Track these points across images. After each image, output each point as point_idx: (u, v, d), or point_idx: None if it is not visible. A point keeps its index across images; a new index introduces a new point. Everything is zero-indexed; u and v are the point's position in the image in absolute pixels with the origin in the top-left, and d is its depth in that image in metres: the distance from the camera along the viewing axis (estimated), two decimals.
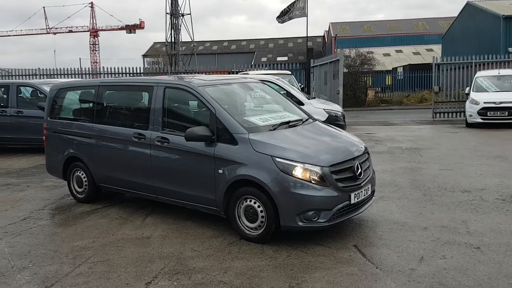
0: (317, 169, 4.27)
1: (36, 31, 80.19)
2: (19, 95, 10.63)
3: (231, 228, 4.81)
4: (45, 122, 6.70)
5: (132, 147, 5.50)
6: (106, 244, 4.69)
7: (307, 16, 20.59)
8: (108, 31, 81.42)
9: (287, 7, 20.73)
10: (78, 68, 20.52)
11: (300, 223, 4.26)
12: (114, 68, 19.68)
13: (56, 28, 79.50)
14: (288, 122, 5.10)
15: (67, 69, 20.05)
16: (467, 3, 34.50)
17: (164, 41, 41.95)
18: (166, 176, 5.20)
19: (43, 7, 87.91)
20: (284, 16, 20.95)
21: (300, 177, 4.24)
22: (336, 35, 52.44)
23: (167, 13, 38.93)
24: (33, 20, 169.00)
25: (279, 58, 63.87)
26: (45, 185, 7.50)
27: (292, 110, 5.62)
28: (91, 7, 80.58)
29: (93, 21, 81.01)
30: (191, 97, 5.12)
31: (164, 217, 5.53)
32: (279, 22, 21.34)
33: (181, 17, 39.45)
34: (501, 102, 13.17)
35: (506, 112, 13.12)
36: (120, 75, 19.31)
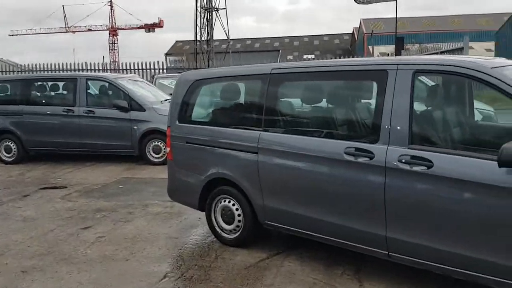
0: None
1: (55, 30, 78.71)
2: (88, 91, 8.65)
3: None
4: (170, 128, 4.67)
5: (343, 170, 3.41)
6: None
7: (396, 0, 18.46)
8: (127, 30, 79.89)
9: None
10: (101, 64, 19.60)
11: None
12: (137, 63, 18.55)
13: (75, 27, 77.96)
14: None
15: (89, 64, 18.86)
16: None
17: (186, 39, 40.27)
18: (419, 223, 3.10)
19: (63, 6, 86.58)
20: None
21: None
22: (372, 31, 49.96)
23: (202, 8, 36.97)
24: (51, 20, 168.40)
25: (305, 56, 61.84)
26: (154, 211, 5.48)
27: None
28: (110, 5, 78.96)
29: (112, 19, 79.40)
30: (476, 86, 3.05)
31: (388, 283, 3.47)
32: (358, 2, 19.11)
33: (216, 11, 37.45)
34: None
35: None
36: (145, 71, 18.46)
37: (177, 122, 4.59)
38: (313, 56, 61.66)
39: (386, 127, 3.22)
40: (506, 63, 3.19)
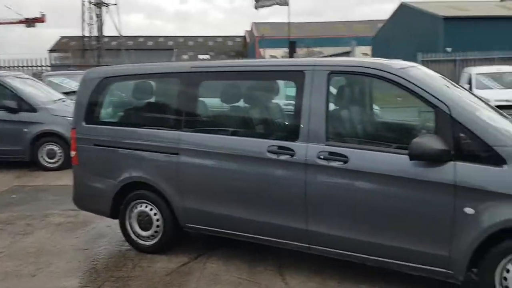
0: None
1: None
2: None
3: None
4: (74, 130, 4.32)
5: (266, 168, 3.47)
6: None
7: (288, 5, 19.02)
8: (4, 25, 72.46)
9: None
10: None
11: None
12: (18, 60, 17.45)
13: None
14: None
15: None
16: (401, 4, 35.44)
17: (72, 35, 38.18)
18: (337, 216, 3.27)
19: None
20: (264, 1, 19.03)
21: None
22: (263, 34, 51.69)
23: (90, 2, 34.95)
24: None
25: (200, 56, 61.87)
26: (56, 221, 5.02)
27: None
28: None
29: None
30: (386, 87, 3.28)
31: (308, 274, 3.61)
32: (256, 7, 19.33)
33: (106, 6, 35.69)
34: None
35: None
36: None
37: (83, 123, 4.26)
38: (208, 56, 61.91)
39: (305, 125, 3.34)
40: (409, 64, 3.51)
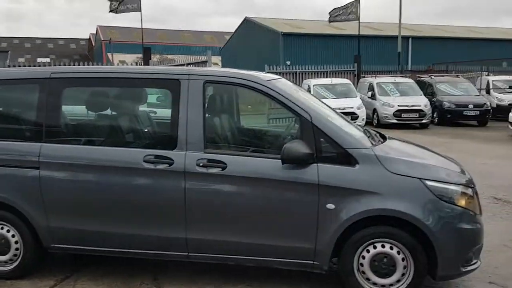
0: (470, 191, 3.40)
1: None
2: None
3: None
4: None
5: (142, 179, 3.40)
6: None
7: (141, 11, 18.26)
8: None
9: None
10: None
11: (462, 269, 3.30)
12: None
13: None
14: (368, 131, 4.01)
15: None
16: (245, 19, 37.44)
17: None
18: (216, 221, 3.39)
19: None
20: (119, 6, 17.93)
21: (463, 205, 3.26)
22: (110, 38, 49.50)
23: None
24: None
25: (39, 59, 56.43)
26: None
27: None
28: None
29: None
30: (255, 97, 3.51)
31: (185, 281, 3.66)
32: (113, 11, 18.08)
33: None
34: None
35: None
36: None
37: None
38: (48, 59, 56.75)
39: (182, 133, 3.38)
40: (276, 77, 3.83)
